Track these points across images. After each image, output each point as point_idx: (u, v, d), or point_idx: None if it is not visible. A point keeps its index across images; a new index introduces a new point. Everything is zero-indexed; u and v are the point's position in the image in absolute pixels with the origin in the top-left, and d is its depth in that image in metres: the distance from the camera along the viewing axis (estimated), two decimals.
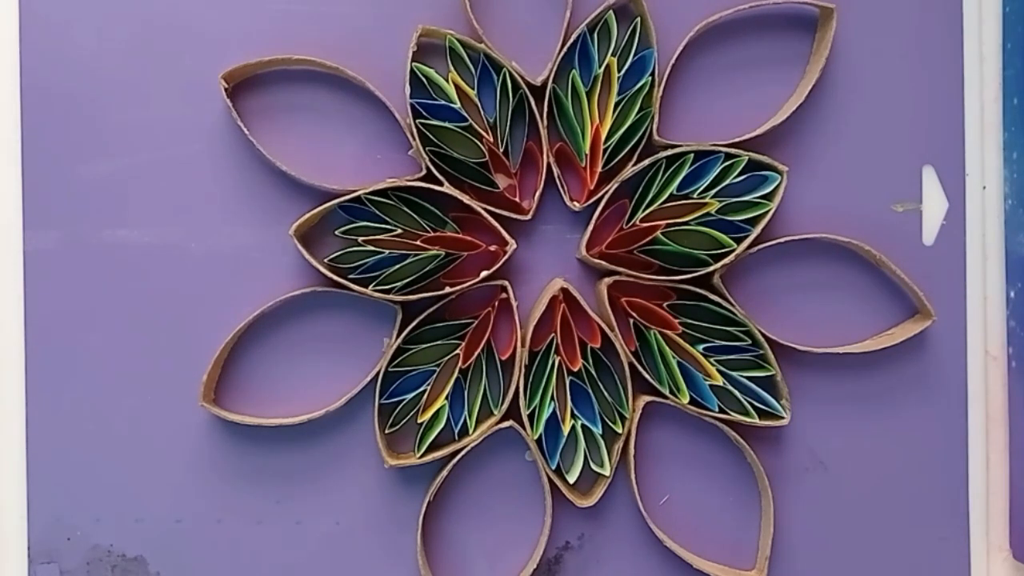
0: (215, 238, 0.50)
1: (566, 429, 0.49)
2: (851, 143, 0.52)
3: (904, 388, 0.52)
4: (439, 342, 0.50)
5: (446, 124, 0.48)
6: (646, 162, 0.49)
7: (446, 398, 0.49)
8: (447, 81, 0.48)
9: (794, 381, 0.51)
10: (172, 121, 0.50)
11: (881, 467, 0.52)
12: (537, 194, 0.50)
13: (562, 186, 0.50)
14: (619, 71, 0.49)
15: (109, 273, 0.50)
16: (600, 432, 0.50)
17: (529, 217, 0.50)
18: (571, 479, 0.50)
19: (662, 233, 0.49)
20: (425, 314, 0.49)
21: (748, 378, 0.50)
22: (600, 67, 0.49)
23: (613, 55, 0.49)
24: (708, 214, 0.49)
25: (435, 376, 0.50)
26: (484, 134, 0.49)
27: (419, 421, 0.49)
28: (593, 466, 0.50)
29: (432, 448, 0.49)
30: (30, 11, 0.50)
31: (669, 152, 0.49)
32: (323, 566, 0.51)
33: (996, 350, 0.53)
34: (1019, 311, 0.52)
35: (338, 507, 0.51)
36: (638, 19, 0.49)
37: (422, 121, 0.48)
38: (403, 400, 0.50)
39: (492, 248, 0.50)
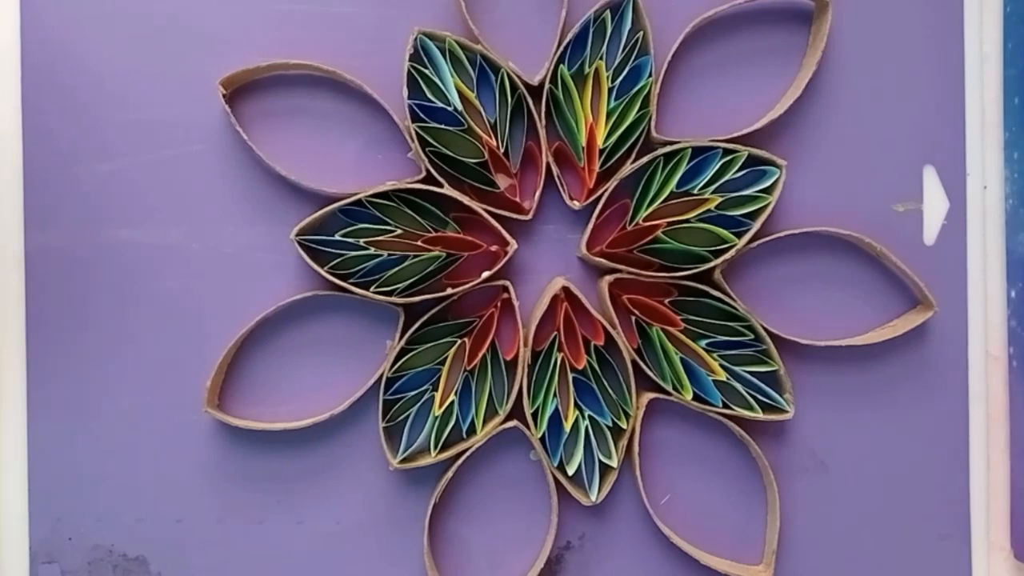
0: (217, 242, 0.50)
1: (568, 425, 0.49)
2: (850, 140, 0.52)
3: (906, 388, 0.52)
4: (440, 341, 0.50)
5: (443, 127, 0.48)
6: (644, 159, 0.49)
7: (455, 394, 0.49)
8: (441, 83, 0.48)
9: (797, 375, 0.51)
10: (172, 122, 0.50)
11: (882, 466, 0.52)
12: (537, 194, 0.50)
13: (561, 185, 0.50)
14: (614, 72, 0.49)
15: (110, 274, 0.50)
16: (609, 424, 0.50)
17: (529, 217, 0.50)
18: (570, 471, 0.50)
19: (662, 231, 0.49)
20: (428, 315, 0.49)
21: (751, 373, 0.50)
22: (591, 66, 0.49)
23: (608, 54, 0.49)
24: (708, 210, 0.49)
25: (442, 376, 0.49)
26: (484, 135, 0.49)
27: (435, 415, 0.49)
28: (601, 457, 0.50)
29: (444, 447, 0.49)
30: (31, 12, 0.50)
31: (667, 149, 0.49)
32: (324, 566, 0.51)
33: (997, 350, 0.53)
34: (1020, 311, 0.52)
35: (340, 508, 0.51)
36: (633, 17, 0.49)
37: (420, 125, 0.48)
38: (403, 397, 0.50)
39: (493, 248, 0.50)
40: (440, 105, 0.48)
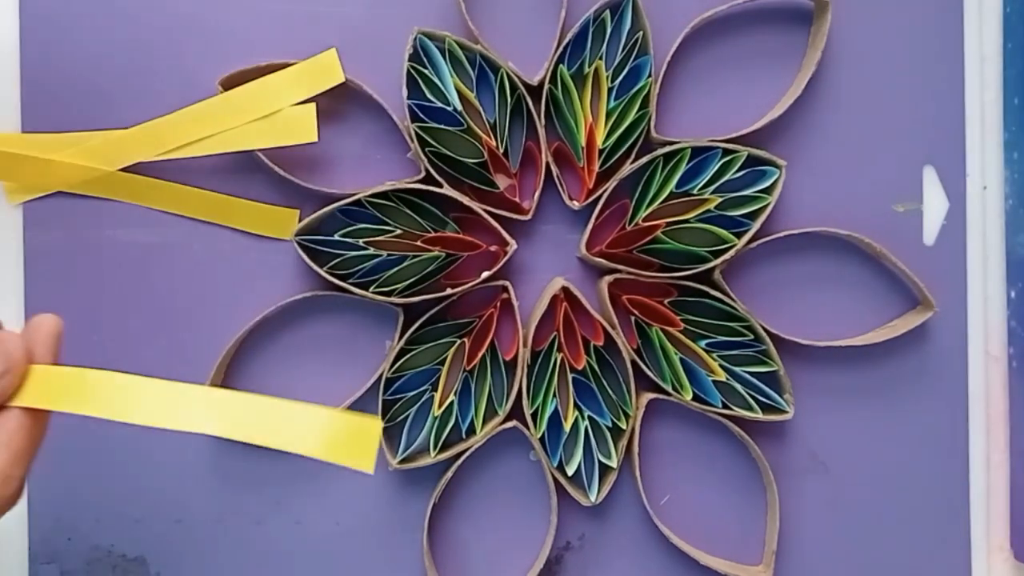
0: (217, 242, 0.50)
1: (568, 426, 0.49)
2: (850, 140, 0.52)
3: (906, 389, 0.52)
4: (440, 341, 0.50)
5: (442, 127, 0.48)
6: (644, 160, 0.49)
7: (455, 394, 0.49)
8: (440, 83, 0.48)
9: (796, 375, 0.51)
10: None
11: (882, 466, 0.52)
12: (537, 194, 0.50)
13: (561, 186, 0.50)
14: (614, 72, 0.49)
15: (110, 274, 0.50)
16: (608, 424, 0.50)
17: (529, 217, 0.50)
18: (570, 471, 0.50)
19: (662, 232, 0.49)
20: (427, 316, 0.49)
21: (751, 373, 0.50)
22: (591, 66, 0.49)
23: (608, 54, 0.49)
24: (708, 211, 0.49)
25: (442, 376, 0.49)
26: (484, 135, 0.49)
27: (434, 415, 0.49)
28: (600, 458, 0.50)
29: (444, 447, 0.49)
30: (30, 12, 0.50)
31: (667, 149, 0.49)
32: (323, 567, 0.51)
33: (997, 350, 0.53)
34: (1020, 311, 0.52)
35: (339, 508, 0.51)
36: (633, 17, 0.49)
37: (419, 125, 0.48)
38: (403, 397, 0.50)
39: (492, 248, 0.50)
40: (439, 105, 0.48)
